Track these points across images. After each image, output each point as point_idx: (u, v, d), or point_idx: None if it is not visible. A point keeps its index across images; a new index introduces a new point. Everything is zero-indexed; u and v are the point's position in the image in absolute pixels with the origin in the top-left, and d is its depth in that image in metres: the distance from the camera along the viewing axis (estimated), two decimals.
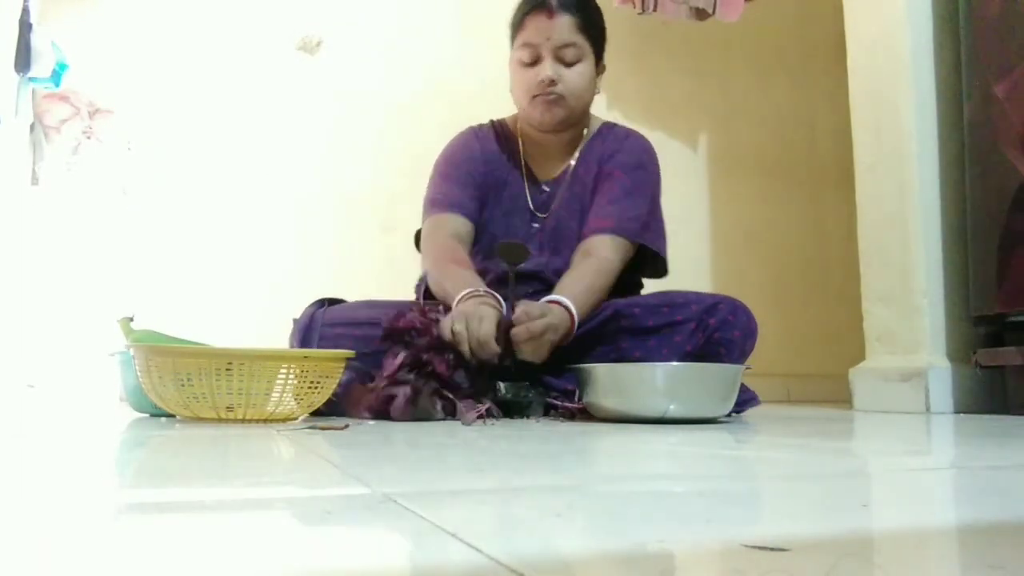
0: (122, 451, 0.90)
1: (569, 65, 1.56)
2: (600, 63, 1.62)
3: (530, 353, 1.33)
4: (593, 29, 1.58)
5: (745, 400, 1.43)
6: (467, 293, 1.38)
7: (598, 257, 1.50)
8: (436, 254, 1.57)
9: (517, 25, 1.59)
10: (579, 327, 1.40)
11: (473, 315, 1.31)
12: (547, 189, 1.65)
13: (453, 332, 1.30)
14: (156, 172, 2.32)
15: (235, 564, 0.34)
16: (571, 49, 1.55)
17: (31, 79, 2.07)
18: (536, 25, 1.54)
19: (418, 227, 1.67)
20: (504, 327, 1.33)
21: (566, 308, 1.38)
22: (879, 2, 1.90)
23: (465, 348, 1.30)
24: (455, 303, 1.38)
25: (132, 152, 2.30)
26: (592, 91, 1.62)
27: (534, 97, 1.56)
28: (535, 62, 1.56)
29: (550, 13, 1.53)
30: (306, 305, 1.58)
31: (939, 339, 1.78)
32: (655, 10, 2.50)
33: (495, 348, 1.30)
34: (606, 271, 1.50)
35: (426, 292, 1.60)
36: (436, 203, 1.62)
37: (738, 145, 2.86)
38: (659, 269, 1.64)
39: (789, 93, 2.93)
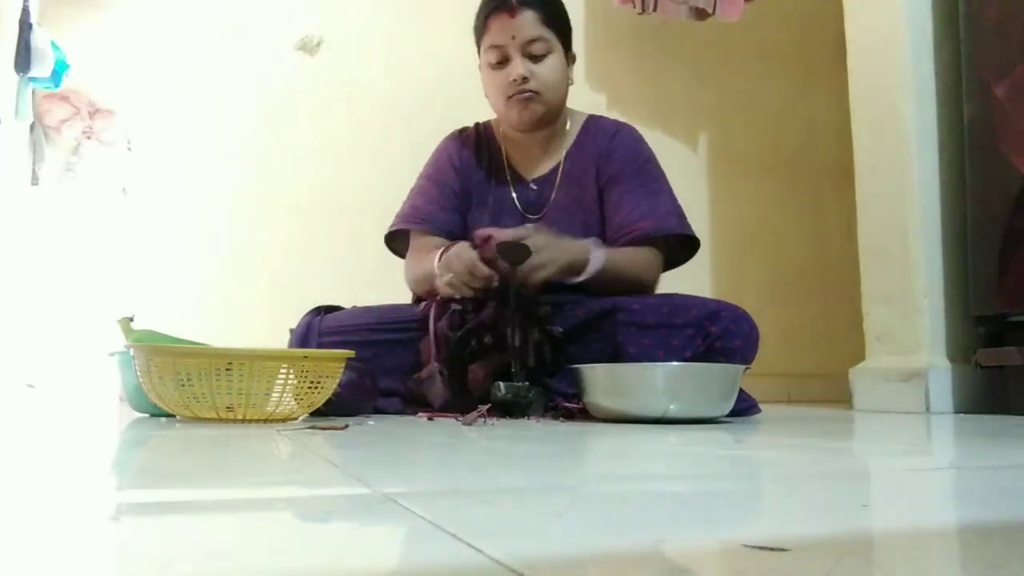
0: (122, 451, 0.90)
1: (539, 60, 1.55)
2: (569, 53, 1.62)
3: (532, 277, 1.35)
4: (557, 20, 1.57)
5: (745, 408, 1.42)
6: (439, 254, 1.44)
7: (639, 252, 1.53)
8: (416, 263, 1.60)
9: (481, 28, 1.58)
10: (581, 320, 1.42)
11: (450, 257, 1.37)
12: (535, 188, 1.65)
13: (447, 284, 1.36)
14: (156, 172, 2.32)
15: (235, 564, 0.34)
16: (539, 43, 1.54)
17: (31, 79, 2.07)
18: (499, 25, 1.54)
19: (395, 228, 1.68)
20: (490, 257, 1.35)
21: (585, 247, 1.43)
22: (879, 2, 1.90)
23: (465, 290, 1.35)
24: (436, 266, 1.43)
25: (132, 152, 2.30)
26: (566, 83, 1.61)
27: (509, 98, 1.56)
28: (504, 62, 1.55)
29: (512, 11, 1.53)
30: (303, 311, 1.58)
31: (939, 339, 1.78)
32: (655, 10, 2.50)
33: (484, 270, 1.34)
34: (643, 265, 1.53)
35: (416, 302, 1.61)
36: (410, 218, 1.65)
37: (738, 145, 2.86)
38: (686, 253, 1.66)
39: (789, 93, 2.93)
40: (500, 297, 1.35)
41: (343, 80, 2.49)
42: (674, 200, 1.61)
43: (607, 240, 1.58)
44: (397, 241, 1.69)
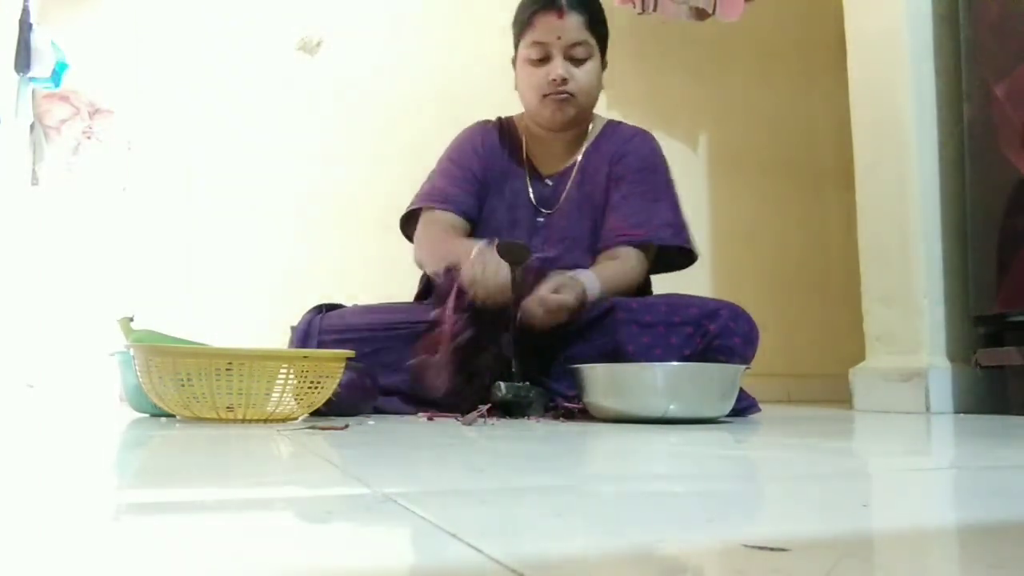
0: (122, 451, 0.90)
1: (579, 63, 1.57)
2: (604, 58, 1.64)
3: (539, 323, 1.36)
4: (600, 26, 1.60)
5: (745, 407, 1.42)
6: (482, 247, 1.41)
7: (625, 262, 1.54)
8: (434, 239, 1.59)
9: (524, 23, 1.59)
10: (581, 320, 1.41)
11: (490, 262, 1.35)
12: (550, 183, 1.66)
13: (471, 277, 1.34)
14: (156, 172, 2.32)
15: (236, 564, 0.34)
16: (581, 47, 1.56)
17: (31, 79, 2.07)
18: (546, 24, 1.55)
19: (415, 206, 1.67)
20: (515, 299, 1.35)
21: (584, 287, 1.42)
22: (879, 2, 1.90)
23: (479, 293, 1.34)
24: (472, 256, 1.40)
25: (132, 152, 2.30)
26: (600, 88, 1.63)
27: (544, 96, 1.57)
28: (544, 60, 1.56)
29: (560, 12, 1.54)
30: (304, 310, 1.58)
31: (939, 339, 1.78)
32: (655, 10, 2.49)
33: (506, 296, 1.33)
34: (632, 276, 1.54)
35: (425, 286, 1.60)
36: (432, 197, 1.65)
37: (738, 145, 2.86)
38: (684, 260, 1.67)
39: (789, 93, 2.93)
40: (502, 320, 1.35)
41: (343, 80, 2.49)
42: (676, 211, 1.61)
43: (600, 241, 1.59)
44: (412, 225, 1.68)
